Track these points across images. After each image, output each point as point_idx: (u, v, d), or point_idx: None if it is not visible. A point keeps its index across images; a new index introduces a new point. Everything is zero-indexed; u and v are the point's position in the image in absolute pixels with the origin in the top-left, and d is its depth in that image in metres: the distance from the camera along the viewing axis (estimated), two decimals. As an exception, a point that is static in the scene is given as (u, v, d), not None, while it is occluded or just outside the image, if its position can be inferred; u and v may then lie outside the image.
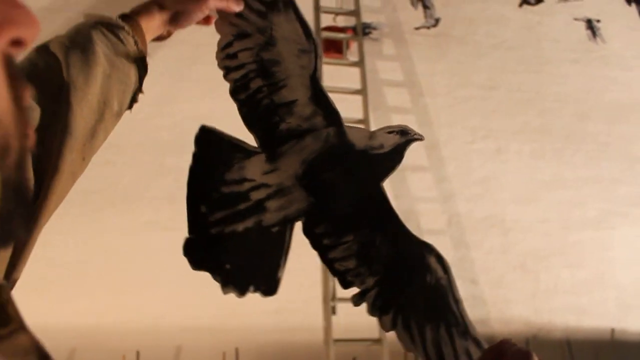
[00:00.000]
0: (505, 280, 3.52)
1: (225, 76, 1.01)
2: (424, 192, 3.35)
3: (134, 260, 2.96)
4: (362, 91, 3.19)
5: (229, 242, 1.00)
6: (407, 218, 3.58)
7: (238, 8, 0.95)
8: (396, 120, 3.42)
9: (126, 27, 0.84)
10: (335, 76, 2.95)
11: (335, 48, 3.34)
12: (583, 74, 3.82)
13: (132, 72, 0.85)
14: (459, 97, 3.56)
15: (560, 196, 3.64)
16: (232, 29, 1.00)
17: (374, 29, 3.50)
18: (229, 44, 1.00)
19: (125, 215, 3.01)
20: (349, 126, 1.01)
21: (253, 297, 1.03)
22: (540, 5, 3.82)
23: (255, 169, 1.01)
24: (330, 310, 2.89)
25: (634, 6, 3.99)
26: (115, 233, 2.98)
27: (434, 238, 3.18)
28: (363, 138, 1.01)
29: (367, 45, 3.37)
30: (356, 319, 2.91)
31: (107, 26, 0.83)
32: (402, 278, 1.00)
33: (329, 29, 3.29)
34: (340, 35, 3.34)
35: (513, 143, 3.60)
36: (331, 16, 3.35)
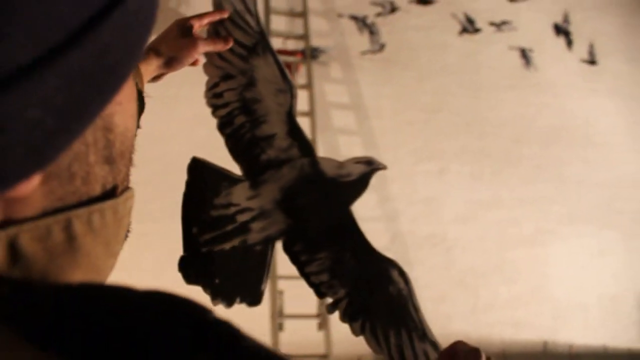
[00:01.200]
0: (447, 296, 3.64)
1: (213, 113, 1.15)
2: (369, 211, 3.45)
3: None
4: (310, 113, 3.27)
5: (218, 259, 1.11)
6: (353, 236, 3.58)
7: (227, 47, 1.05)
8: (343, 142, 3.52)
9: None
10: (285, 98, 3.03)
11: (285, 70, 3.41)
12: (518, 99, 4.03)
13: None
14: (403, 120, 3.69)
15: (498, 215, 3.81)
16: (218, 71, 1.13)
17: (322, 52, 3.60)
18: (215, 85, 1.13)
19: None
20: (321, 157, 1.14)
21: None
22: (479, 34, 4.01)
23: (240, 195, 1.13)
24: (277, 326, 2.93)
25: (562, 37, 4.26)
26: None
27: (379, 256, 3.20)
28: (333, 167, 1.14)
29: (316, 68, 3.46)
30: (303, 335, 2.97)
31: None
32: (368, 289, 1.12)
33: (279, 52, 3.35)
34: (290, 59, 3.42)
35: (454, 165, 3.75)
36: (281, 39, 3.43)
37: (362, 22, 3.71)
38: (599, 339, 3.95)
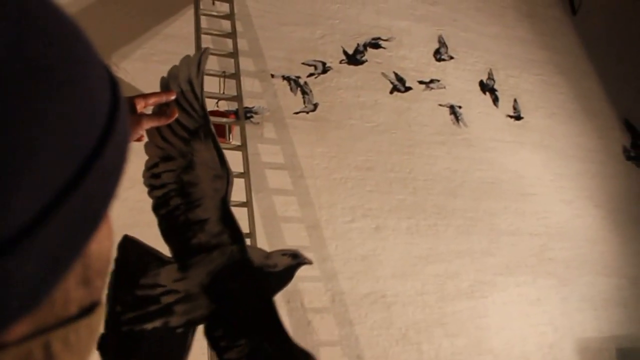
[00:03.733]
0: (390, 354, 3.60)
1: (149, 193, 1.14)
2: (307, 271, 3.38)
3: None
4: (245, 174, 3.24)
5: (138, 340, 1.09)
6: (291, 298, 3.58)
7: (171, 120, 1.05)
8: (278, 202, 3.50)
9: None
10: (217, 160, 3.00)
11: (219, 132, 3.38)
12: (449, 154, 4.15)
13: None
14: (337, 178, 3.71)
15: (436, 269, 3.84)
16: (159, 151, 1.14)
17: (255, 113, 3.61)
18: (154, 165, 1.15)
19: None
20: (249, 246, 1.17)
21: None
22: (409, 93, 4.14)
23: (167, 276, 1.14)
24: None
25: (488, 95, 4.45)
26: None
27: (318, 316, 3.22)
28: (260, 257, 1.17)
29: (249, 129, 3.47)
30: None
31: None
32: None
33: (212, 113, 3.35)
34: (223, 120, 3.41)
35: (390, 221, 3.78)
36: (214, 100, 3.43)
37: (294, 83, 3.77)
38: (541, 388, 3.98)
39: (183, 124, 1.12)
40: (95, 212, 0.36)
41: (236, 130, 3.45)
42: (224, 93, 3.45)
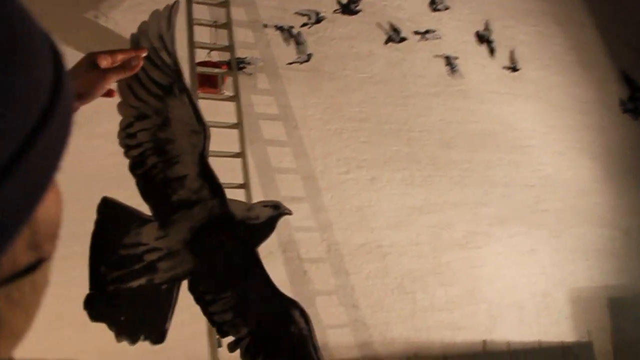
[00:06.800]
0: (385, 303, 3.66)
1: (126, 153, 1.14)
2: (303, 222, 3.42)
3: None
4: (238, 125, 3.23)
5: (125, 298, 1.13)
6: (287, 248, 3.60)
7: (137, 69, 1.03)
8: (272, 152, 3.50)
9: None
10: (211, 111, 2.96)
11: (210, 83, 3.36)
12: (444, 106, 4.13)
13: None
14: (332, 129, 3.70)
15: (430, 220, 3.87)
16: (133, 110, 1.13)
17: (248, 63, 3.57)
18: (129, 125, 1.13)
19: None
20: (230, 199, 1.17)
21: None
22: (404, 43, 4.09)
23: (149, 235, 1.16)
24: (215, 343, 2.85)
25: (484, 45, 4.40)
26: None
27: (314, 266, 3.25)
28: (242, 210, 1.18)
29: (242, 79, 3.43)
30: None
31: None
32: (270, 329, 1.15)
33: (204, 63, 3.31)
34: (215, 70, 3.37)
35: (385, 172, 3.79)
36: (206, 51, 3.38)
37: (288, 33, 3.71)
38: (533, 334, 4.06)
39: (156, 81, 1.10)
40: (39, 183, 0.37)
41: (229, 81, 3.42)
42: (215, 43, 3.40)
